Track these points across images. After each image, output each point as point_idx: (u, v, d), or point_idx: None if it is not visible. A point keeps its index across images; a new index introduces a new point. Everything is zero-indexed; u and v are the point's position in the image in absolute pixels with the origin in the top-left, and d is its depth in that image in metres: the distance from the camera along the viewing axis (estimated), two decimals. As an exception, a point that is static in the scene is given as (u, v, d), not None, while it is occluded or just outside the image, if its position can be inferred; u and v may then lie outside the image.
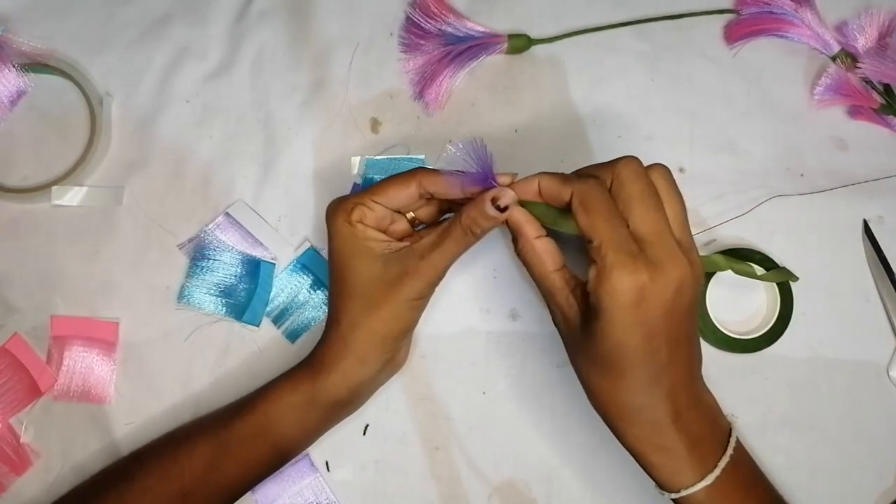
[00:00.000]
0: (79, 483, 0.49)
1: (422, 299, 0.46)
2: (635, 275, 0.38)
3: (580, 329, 0.41)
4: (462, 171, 0.42)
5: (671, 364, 0.41)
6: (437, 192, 0.45)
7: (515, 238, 0.43)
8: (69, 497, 0.48)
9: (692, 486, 0.42)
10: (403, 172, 0.46)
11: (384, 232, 0.47)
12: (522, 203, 0.43)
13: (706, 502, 0.42)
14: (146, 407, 0.54)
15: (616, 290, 0.38)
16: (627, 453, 0.52)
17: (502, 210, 0.42)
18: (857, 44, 0.57)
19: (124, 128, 0.57)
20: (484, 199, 0.42)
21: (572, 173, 0.44)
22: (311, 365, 0.47)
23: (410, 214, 0.48)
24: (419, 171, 0.45)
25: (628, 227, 0.40)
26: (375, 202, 0.46)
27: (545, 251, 0.42)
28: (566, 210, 0.42)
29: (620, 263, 0.38)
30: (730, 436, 0.43)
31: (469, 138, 0.42)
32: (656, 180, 0.41)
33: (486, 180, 0.42)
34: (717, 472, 0.42)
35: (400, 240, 0.47)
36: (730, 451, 0.43)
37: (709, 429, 0.43)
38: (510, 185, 0.43)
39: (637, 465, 0.44)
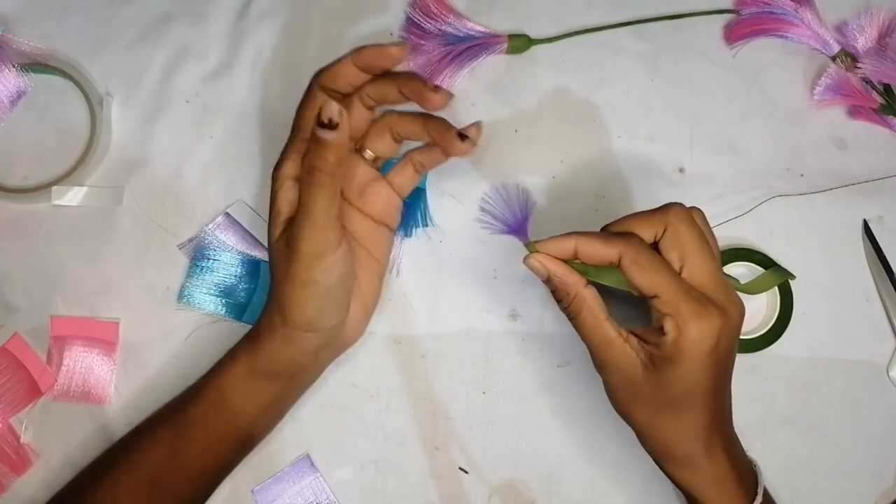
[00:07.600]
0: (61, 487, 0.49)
1: (323, 256, 0.42)
2: (711, 321, 0.39)
3: (642, 377, 0.41)
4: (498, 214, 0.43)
5: (725, 398, 0.43)
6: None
7: (558, 294, 0.43)
8: (52, 502, 0.48)
9: None
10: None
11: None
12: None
13: None
14: (146, 407, 0.53)
15: (698, 337, 0.39)
16: (627, 454, 0.52)
17: (332, 127, 0.38)
18: (857, 44, 0.57)
19: (124, 128, 0.57)
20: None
21: (609, 225, 0.43)
22: (250, 335, 0.47)
23: (369, 153, 0.47)
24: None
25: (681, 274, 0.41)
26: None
27: (596, 300, 0.42)
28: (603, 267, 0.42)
29: (697, 312, 0.39)
30: (752, 464, 0.45)
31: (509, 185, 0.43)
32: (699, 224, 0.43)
33: (521, 230, 0.43)
34: (759, 498, 0.43)
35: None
36: (762, 479, 0.44)
37: (744, 457, 0.45)
38: (540, 243, 0.42)
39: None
